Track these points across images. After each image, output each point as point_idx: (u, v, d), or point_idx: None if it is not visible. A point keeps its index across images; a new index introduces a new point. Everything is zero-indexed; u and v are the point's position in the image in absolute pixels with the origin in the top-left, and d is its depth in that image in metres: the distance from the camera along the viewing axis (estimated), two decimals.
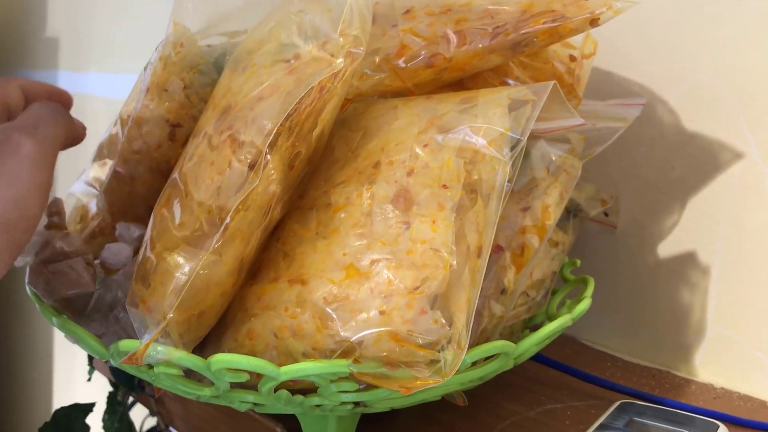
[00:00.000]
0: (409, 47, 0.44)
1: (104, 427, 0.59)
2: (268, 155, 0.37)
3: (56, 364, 1.78)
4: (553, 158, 0.48)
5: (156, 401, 0.57)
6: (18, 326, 1.98)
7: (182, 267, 0.36)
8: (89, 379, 0.59)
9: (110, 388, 0.62)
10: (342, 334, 0.34)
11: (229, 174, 0.37)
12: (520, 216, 0.46)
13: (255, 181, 0.36)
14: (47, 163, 0.37)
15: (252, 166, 0.36)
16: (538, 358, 0.55)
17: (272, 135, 0.36)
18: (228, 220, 0.35)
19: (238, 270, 0.39)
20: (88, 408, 0.57)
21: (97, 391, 1.46)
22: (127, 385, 0.59)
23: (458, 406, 0.44)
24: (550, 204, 0.47)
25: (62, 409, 0.56)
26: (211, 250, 0.35)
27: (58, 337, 1.75)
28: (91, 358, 0.59)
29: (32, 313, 1.87)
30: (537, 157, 0.48)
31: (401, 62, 0.44)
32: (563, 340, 0.63)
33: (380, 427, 0.49)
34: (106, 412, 0.60)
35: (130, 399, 0.62)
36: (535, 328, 0.46)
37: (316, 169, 0.43)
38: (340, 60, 0.37)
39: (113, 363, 0.40)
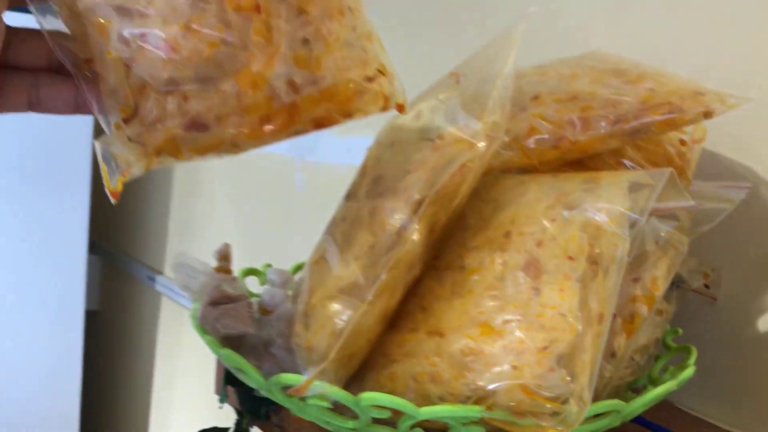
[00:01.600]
0: (537, 130, 0.49)
1: None
2: (415, 222, 0.43)
3: (153, 401, 1.87)
4: (662, 234, 0.52)
5: (281, 430, 0.63)
6: (121, 365, 2.09)
7: (341, 314, 0.42)
8: (221, 407, 0.65)
9: (204, 423, 0.69)
10: (478, 383, 0.39)
11: (382, 236, 0.43)
12: (631, 286, 0.50)
13: (404, 243, 0.42)
14: None
15: (401, 232, 0.42)
16: (637, 419, 0.58)
17: (420, 204, 0.42)
18: (383, 276, 0.41)
19: (383, 319, 0.44)
20: (225, 431, 0.64)
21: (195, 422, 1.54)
22: (253, 415, 0.65)
23: None
24: (659, 276, 0.51)
25: (203, 430, 0.62)
26: (368, 301, 0.41)
27: (158, 374, 1.85)
28: (225, 389, 0.66)
29: (134, 354, 1.98)
30: (648, 232, 0.52)
31: (530, 143, 0.49)
32: (660, 403, 0.66)
33: None
34: None
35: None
36: (637, 390, 0.50)
37: (450, 234, 0.48)
38: (483, 143, 0.43)
39: (267, 393, 0.46)
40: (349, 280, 0.43)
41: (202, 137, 0.37)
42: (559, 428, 0.38)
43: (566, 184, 0.46)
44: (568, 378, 0.39)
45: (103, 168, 0.38)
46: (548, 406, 0.38)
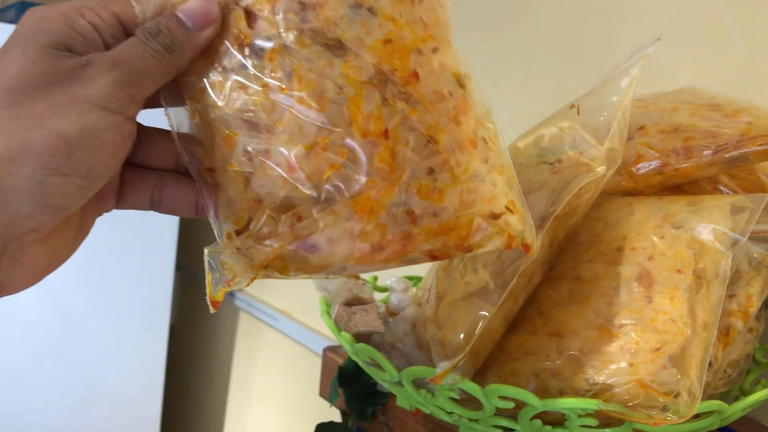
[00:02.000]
0: (644, 157, 0.54)
1: None
2: (539, 235, 0.48)
3: (228, 412, 1.95)
4: (755, 255, 0.57)
5: (388, 428, 0.68)
6: (199, 377, 2.18)
7: (473, 314, 0.47)
8: (330, 406, 0.71)
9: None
10: (597, 378, 0.45)
11: None
12: (727, 301, 0.55)
13: (530, 254, 0.47)
14: (123, 102, 0.34)
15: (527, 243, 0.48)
16: (725, 430, 0.62)
17: (544, 220, 0.48)
18: (513, 282, 0.47)
19: (506, 322, 0.50)
20: (339, 426, 0.70)
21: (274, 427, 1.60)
22: (359, 415, 0.70)
23: None
24: (753, 294, 0.55)
25: (322, 423, 0.68)
26: (498, 304, 0.47)
27: (234, 386, 1.92)
28: (335, 389, 0.72)
29: (211, 366, 2.07)
30: (742, 253, 0.56)
31: (637, 168, 0.54)
32: (745, 420, 0.70)
33: None
34: None
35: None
36: (730, 401, 0.54)
37: (564, 249, 0.54)
38: (602, 167, 0.48)
39: (390, 387, 0.52)
40: (479, 285, 0.48)
41: (311, 258, 0.36)
42: (675, 418, 0.42)
43: (672, 205, 0.51)
44: (679, 376, 0.43)
45: (208, 276, 0.37)
46: (661, 399, 0.43)
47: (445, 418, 0.53)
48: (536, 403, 0.45)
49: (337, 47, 0.35)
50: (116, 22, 0.36)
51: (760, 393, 0.50)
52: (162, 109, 0.39)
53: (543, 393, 0.47)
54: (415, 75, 0.36)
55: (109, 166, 0.34)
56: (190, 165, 0.38)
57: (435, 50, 0.37)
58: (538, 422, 0.48)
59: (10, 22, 1.58)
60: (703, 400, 0.56)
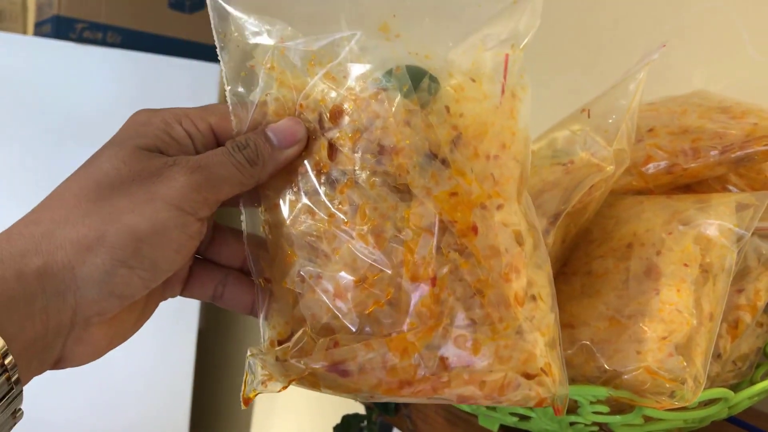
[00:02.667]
0: (653, 158, 0.57)
1: None
2: (552, 231, 0.51)
3: (256, 406, 1.98)
4: (764, 251, 0.59)
5: (410, 422, 0.71)
6: (225, 380, 2.21)
7: None
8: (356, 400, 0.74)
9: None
10: (606, 366, 0.47)
11: None
12: (735, 295, 0.57)
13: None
14: (196, 204, 0.36)
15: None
16: (737, 422, 0.64)
17: (556, 217, 0.51)
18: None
19: None
20: (362, 418, 0.73)
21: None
22: (382, 408, 0.73)
23: None
24: (761, 288, 0.58)
25: (348, 415, 0.72)
26: None
27: None
28: None
29: (237, 371, 2.10)
30: (751, 249, 0.59)
31: (647, 169, 0.57)
32: (758, 415, 0.71)
33: None
34: (365, 427, 0.75)
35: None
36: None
37: (576, 246, 0.56)
38: (611, 167, 0.51)
39: None
40: None
41: (342, 381, 0.37)
42: (680, 402, 0.45)
43: (680, 203, 0.53)
44: (685, 363, 0.46)
45: (246, 374, 0.39)
46: (668, 385, 0.45)
47: (464, 407, 0.56)
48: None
49: (404, 192, 0.37)
50: (210, 132, 0.39)
51: (762, 384, 0.52)
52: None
53: None
54: (474, 229, 0.37)
55: (173, 262, 0.36)
56: (252, 267, 0.41)
57: (499, 207, 0.38)
58: (550, 409, 0.50)
59: (46, 35, 1.64)
60: None
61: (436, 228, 0.37)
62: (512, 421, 0.54)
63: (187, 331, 1.87)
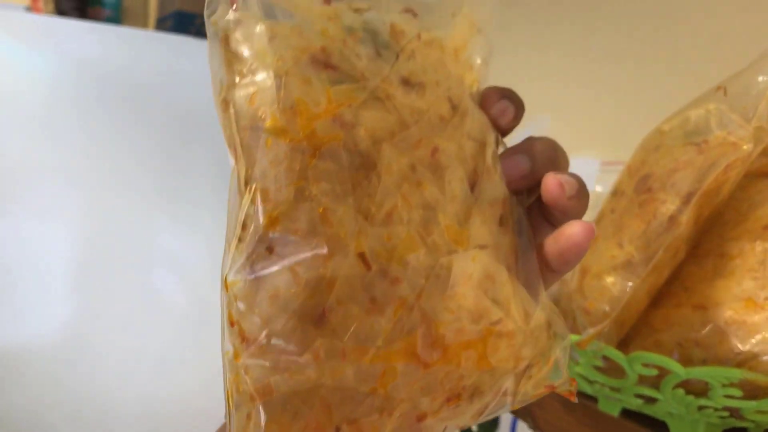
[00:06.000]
0: None
1: None
2: (685, 211, 0.50)
3: None
4: None
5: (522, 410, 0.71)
6: None
7: (618, 285, 0.50)
8: None
9: None
10: (741, 348, 0.46)
11: (653, 223, 0.50)
12: None
13: (676, 227, 0.49)
14: None
15: (672, 219, 0.50)
16: None
17: (690, 196, 0.50)
18: (659, 253, 0.49)
19: (649, 295, 0.52)
20: None
21: None
22: None
23: None
24: None
25: None
26: (643, 276, 0.49)
27: None
28: None
29: None
30: None
31: None
32: None
33: None
34: None
35: None
36: None
37: (708, 229, 0.55)
38: (749, 146, 0.49)
39: None
40: (624, 259, 0.51)
41: None
42: None
43: None
44: None
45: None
46: None
47: (586, 388, 0.56)
48: (679, 371, 0.47)
49: None
50: None
51: None
52: None
53: (686, 362, 0.49)
54: None
55: None
56: None
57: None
58: (680, 391, 0.50)
59: (168, 31, 1.72)
60: None
61: None
62: (636, 404, 0.54)
63: None
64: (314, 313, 0.29)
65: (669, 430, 0.55)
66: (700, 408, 0.51)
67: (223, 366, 0.31)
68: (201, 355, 1.84)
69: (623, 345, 0.53)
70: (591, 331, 0.49)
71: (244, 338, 0.29)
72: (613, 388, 0.53)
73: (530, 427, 0.71)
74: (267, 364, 0.29)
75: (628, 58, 1.07)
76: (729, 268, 0.50)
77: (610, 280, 0.50)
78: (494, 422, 1.18)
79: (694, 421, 0.54)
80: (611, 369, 0.52)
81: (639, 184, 0.54)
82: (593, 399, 0.61)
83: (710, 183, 0.50)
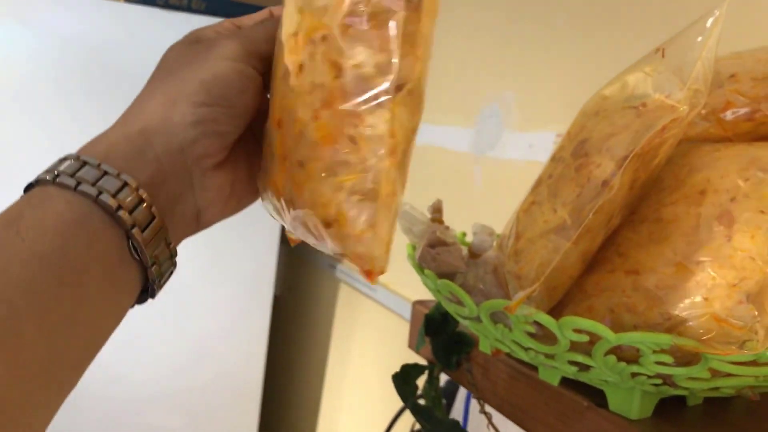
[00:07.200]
0: (733, 103, 0.54)
1: (423, 389, 0.75)
2: (619, 174, 0.49)
3: (327, 378, 2.01)
4: None
5: (471, 376, 0.70)
6: (300, 344, 2.26)
7: (549, 249, 0.49)
8: (418, 351, 0.74)
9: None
10: (671, 312, 0.45)
11: (587, 187, 0.49)
12: None
13: (608, 191, 0.48)
14: (244, 56, 0.45)
15: (605, 183, 0.49)
16: None
17: (624, 159, 0.48)
18: (588, 219, 0.48)
19: (583, 260, 0.51)
20: (423, 369, 0.72)
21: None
22: (445, 362, 0.73)
23: (745, 409, 0.52)
24: None
25: (407, 364, 0.71)
26: (573, 240, 0.48)
27: (333, 352, 1.98)
28: (422, 336, 0.74)
29: (312, 335, 2.14)
30: None
31: (726, 115, 0.54)
32: None
33: (671, 419, 0.57)
34: (426, 381, 0.75)
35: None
36: None
37: (646, 194, 0.54)
38: (685, 107, 0.48)
39: (472, 325, 0.54)
40: (557, 223, 0.50)
41: None
42: (749, 351, 0.42)
43: (760, 150, 0.50)
44: (756, 312, 0.43)
45: None
46: (736, 333, 0.43)
47: (522, 356, 0.55)
48: (609, 336, 0.46)
49: None
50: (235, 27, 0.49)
51: None
52: None
53: (618, 328, 0.48)
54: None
55: (240, 100, 0.44)
56: None
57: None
58: (612, 358, 0.49)
59: (201, 12, 1.72)
60: None
61: None
62: (572, 371, 0.53)
63: (264, 296, 1.91)
64: None
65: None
66: (633, 375, 0.50)
67: None
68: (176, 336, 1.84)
69: (556, 311, 0.52)
70: (520, 294, 0.48)
71: None
72: (547, 355, 0.52)
73: (475, 397, 0.70)
74: None
75: (589, 34, 1.06)
76: (664, 233, 0.49)
77: (541, 243, 0.49)
78: (450, 396, 1.18)
79: (629, 389, 0.53)
80: (545, 336, 0.50)
81: (576, 149, 0.53)
82: (536, 369, 0.60)
83: (645, 145, 0.49)
